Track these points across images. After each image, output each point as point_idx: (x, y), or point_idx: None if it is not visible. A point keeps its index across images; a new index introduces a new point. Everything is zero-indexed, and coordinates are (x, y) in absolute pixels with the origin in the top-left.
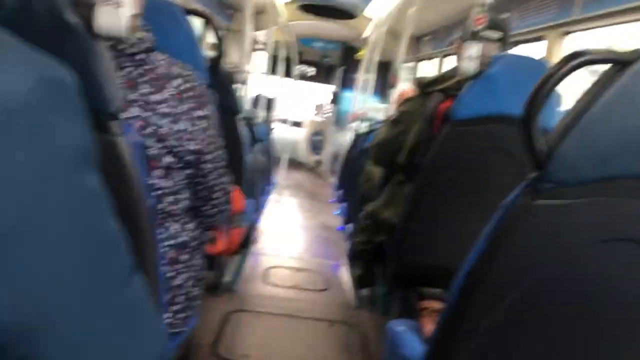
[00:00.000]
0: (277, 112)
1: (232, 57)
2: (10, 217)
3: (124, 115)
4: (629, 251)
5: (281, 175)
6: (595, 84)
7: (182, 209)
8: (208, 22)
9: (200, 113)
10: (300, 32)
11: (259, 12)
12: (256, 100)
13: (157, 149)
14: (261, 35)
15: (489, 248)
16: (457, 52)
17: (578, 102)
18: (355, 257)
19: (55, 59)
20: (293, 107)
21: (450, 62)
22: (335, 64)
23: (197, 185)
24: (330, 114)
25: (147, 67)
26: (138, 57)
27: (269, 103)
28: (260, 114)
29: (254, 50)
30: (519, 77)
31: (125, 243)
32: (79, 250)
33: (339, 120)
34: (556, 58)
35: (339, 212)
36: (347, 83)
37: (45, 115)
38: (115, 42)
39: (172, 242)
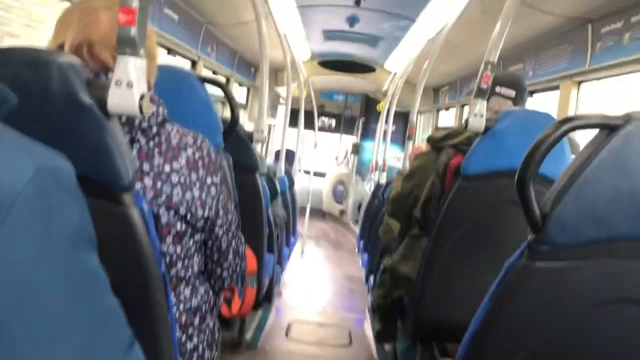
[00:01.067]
0: (300, 164)
1: (255, 112)
2: (8, 299)
3: (137, 186)
4: (633, 312)
5: (305, 226)
6: (586, 148)
7: (194, 274)
8: (222, 89)
9: (211, 180)
10: (322, 86)
11: (280, 70)
12: (278, 154)
13: (168, 216)
14: (283, 90)
15: (492, 310)
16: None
17: (571, 166)
18: (375, 312)
19: (54, 150)
20: (316, 158)
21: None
22: (356, 115)
23: (209, 249)
24: (352, 164)
25: (160, 138)
26: (151, 129)
27: (291, 156)
28: (282, 166)
29: (279, 104)
30: (529, 132)
31: (123, 317)
32: (77, 328)
33: (361, 170)
34: (569, 106)
35: (361, 263)
36: (367, 133)
37: (43, 204)
38: (130, 117)
39: (183, 306)
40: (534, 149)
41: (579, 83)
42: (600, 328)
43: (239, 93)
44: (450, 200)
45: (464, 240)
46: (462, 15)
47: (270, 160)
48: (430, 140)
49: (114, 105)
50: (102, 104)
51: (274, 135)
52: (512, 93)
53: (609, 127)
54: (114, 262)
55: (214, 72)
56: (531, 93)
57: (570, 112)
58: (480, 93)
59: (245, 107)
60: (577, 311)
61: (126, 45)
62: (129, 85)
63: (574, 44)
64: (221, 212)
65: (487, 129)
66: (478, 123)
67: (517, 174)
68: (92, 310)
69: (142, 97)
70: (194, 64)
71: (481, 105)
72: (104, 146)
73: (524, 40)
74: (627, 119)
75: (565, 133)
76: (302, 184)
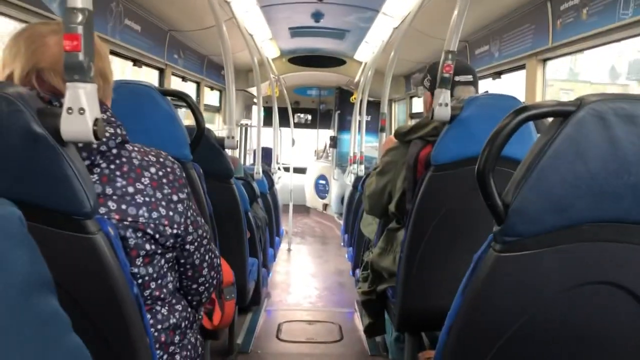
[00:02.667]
0: (280, 162)
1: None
2: None
3: (101, 210)
4: (601, 294)
5: (290, 223)
6: (542, 136)
7: (169, 292)
8: (184, 100)
9: (176, 197)
10: (294, 83)
11: (251, 70)
12: (255, 154)
13: (137, 238)
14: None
15: (465, 303)
16: (425, 100)
17: (528, 155)
18: (362, 307)
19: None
20: (295, 154)
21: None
22: (331, 109)
23: (183, 266)
24: (332, 157)
25: (120, 160)
26: (111, 152)
27: (269, 154)
28: (259, 168)
29: (253, 104)
30: (495, 117)
31: (88, 356)
32: None
33: (341, 162)
34: (536, 84)
35: (347, 256)
36: (344, 126)
37: None
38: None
39: (161, 326)
40: (490, 142)
41: (544, 61)
42: (571, 312)
43: (213, 97)
44: (424, 191)
45: (440, 229)
46: (424, 2)
47: (249, 160)
48: (397, 134)
49: (67, 132)
50: (55, 132)
51: (251, 135)
52: (470, 78)
53: (562, 114)
54: (86, 289)
55: (183, 79)
56: (499, 74)
57: (538, 89)
58: (443, 82)
59: (219, 110)
60: (547, 298)
61: (74, 71)
62: (81, 112)
63: (536, 22)
64: (190, 228)
65: (453, 117)
66: (444, 112)
67: (476, 168)
68: (51, 355)
69: (95, 122)
70: (161, 72)
71: (445, 95)
72: (62, 175)
73: (488, 23)
74: (579, 104)
75: (520, 124)
76: (284, 182)
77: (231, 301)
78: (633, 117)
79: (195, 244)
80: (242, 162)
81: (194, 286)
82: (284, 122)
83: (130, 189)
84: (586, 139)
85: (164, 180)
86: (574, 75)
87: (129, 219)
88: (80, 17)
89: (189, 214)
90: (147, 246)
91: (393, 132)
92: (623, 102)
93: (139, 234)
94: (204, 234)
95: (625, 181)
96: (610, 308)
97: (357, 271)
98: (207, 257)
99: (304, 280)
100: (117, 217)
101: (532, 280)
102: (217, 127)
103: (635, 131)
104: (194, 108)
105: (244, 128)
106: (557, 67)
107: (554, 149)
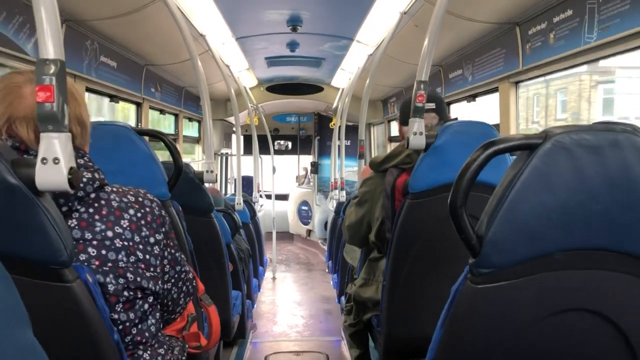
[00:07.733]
0: (261, 189)
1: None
2: None
3: (81, 257)
4: (575, 320)
5: (274, 251)
6: (510, 169)
7: (151, 335)
8: (161, 139)
9: (153, 239)
10: (273, 110)
11: (228, 100)
12: (236, 183)
13: (116, 284)
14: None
15: (446, 336)
16: (400, 131)
17: (498, 188)
18: (349, 339)
19: None
20: (276, 181)
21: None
22: (311, 135)
23: (162, 300)
24: (312, 183)
25: (99, 203)
26: (89, 196)
27: (249, 184)
28: (240, 198)
29: (232, 133)
30: (468, 143)
31: None
32: None
33: (323, 187)
34: (510, 106)
35: (332, 283)
36: (324, 151)
37: None
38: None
39: None
40: (461, 176)
41: (516, 83)
42: (549, 340)
43: (192, 127)
44: (402, 219)
45: (421, 255)
46: (397, 30)
47: (230, 189)
48: (372, 164)
49: (42, 183)
50: (30, 182)
51: (231, 164)
52: (432, 105)
53: (529, 147)
54: (65, 339)
55: (161, 112)
56: (473, 97)
57: (511, 111)
58: (417, 112)
59: (198, 140)
60: (524, 327)
61: (48, 122)
62: (56, 162)
63: (506, 46)
64: (167, 267)
65: (428, 145)
66: (419, 141)
67: (448, 202)
68: None
69: (71, 171)
70: (139, 106)
71: (419, 124)
72: (38, 225)
73: (460, 47)
74: (545, 136)
75: (489, 158)
76: (266, 209)
77: (211, 306)
78: (596, 147)
79: (173, 280)
80: (222, 191)
81: (173, 316)
82: (264, 149)
83: (109, 233)
84: (553, 170)
85: (143, 222)
86: None
87: (109, 264)
88: (52, 69)
89: (165, 253)
90: (126, 292)
91: (373, 151)
92: (586, 133)
93: (121, 281)
94: (182, 269)
95: (592, 209)
96: (587, 334)
97: (343, 298)
98: (184, 287)
99: (289, 309)
100: (97, 262)
101: (509, 310)
102: (197, 157)
103: (599, 161)
104: (171, 147)
105: (224, 157)
106: None
107: (522, 180)
